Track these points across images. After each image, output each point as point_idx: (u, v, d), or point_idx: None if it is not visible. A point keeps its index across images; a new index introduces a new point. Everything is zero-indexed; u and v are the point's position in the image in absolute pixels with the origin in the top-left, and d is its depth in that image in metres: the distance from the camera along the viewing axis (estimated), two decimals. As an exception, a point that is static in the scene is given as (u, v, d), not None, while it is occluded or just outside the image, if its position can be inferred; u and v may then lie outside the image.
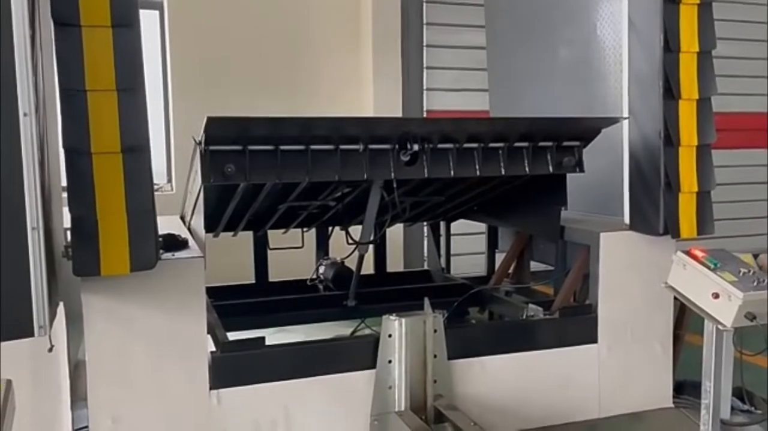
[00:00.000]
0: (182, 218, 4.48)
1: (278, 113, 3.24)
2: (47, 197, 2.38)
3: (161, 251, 2.92)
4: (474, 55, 7.02)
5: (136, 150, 2.54)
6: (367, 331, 4.12)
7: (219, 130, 2.88)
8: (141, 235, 2.58)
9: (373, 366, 3.21)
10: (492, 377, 3.44)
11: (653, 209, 3.44)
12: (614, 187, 4.00)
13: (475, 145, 3.36)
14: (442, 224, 5.29)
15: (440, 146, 3.29)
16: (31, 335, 2.17)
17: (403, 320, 3.17)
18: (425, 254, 7.08)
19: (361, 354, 3.23)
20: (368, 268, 5.23)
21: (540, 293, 4.80)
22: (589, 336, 3.61)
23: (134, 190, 2.55)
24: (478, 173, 3.40)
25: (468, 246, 5.81)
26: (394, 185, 3.53)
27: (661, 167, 3.38)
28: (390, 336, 3.20)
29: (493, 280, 5.06)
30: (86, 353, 2.80)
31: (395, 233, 5.28)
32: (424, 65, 7.00)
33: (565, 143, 3.52)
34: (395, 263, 5.39)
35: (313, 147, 3.10)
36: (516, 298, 4.67)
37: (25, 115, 2.10)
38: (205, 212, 3.38)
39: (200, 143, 2.95)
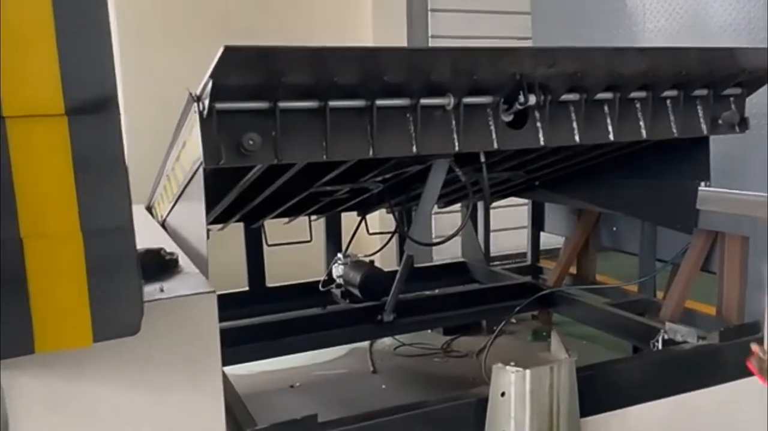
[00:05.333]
0: (150, 209, 3.22)
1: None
2: None
3: (142, 282, 1.69)
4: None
5: (95, 110, 1.30)
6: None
7: (238, 72, 1.66)
8: (110, 275, 1.35)
9: (478, 440, 2.09)
10: (633, 434, 2.38)
11: None
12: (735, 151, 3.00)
13: (609, 95, 2.23)
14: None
15: (562, 97, 2.15)
16: None
17: (527, 372, 2.04)
18: (433, 233, 5.92)
19: (458, 426, 2.10)
20: (388, 263, 4.09)
21: (611, 290, 3.77)
22: (753, 365, 2.56)
23: (95, 189, 1.31)
24: (611, 136, 2.28)
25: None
26: (482, 159, 2.38)
27: None
28: (503, 394, 2.07)
29: (555, 274, 4.01)
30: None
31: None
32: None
33: (725, 92, 2.43)
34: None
35: (379, 103, 1.91)
36: (591, 298, 3.64)
37: None
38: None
39: (199, 99, 1.72)
